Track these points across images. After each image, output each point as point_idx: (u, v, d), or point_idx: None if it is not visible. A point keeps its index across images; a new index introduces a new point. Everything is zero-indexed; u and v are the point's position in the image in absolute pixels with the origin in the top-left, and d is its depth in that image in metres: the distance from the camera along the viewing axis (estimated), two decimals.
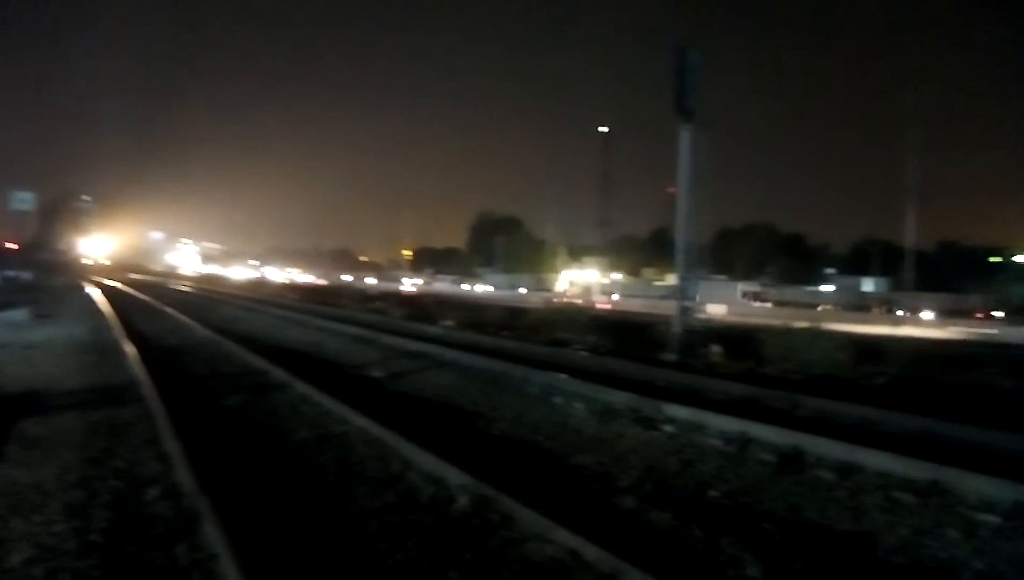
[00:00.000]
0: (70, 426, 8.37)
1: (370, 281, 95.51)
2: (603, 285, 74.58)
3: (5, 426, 8.21)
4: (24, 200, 32.13)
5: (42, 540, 4.99)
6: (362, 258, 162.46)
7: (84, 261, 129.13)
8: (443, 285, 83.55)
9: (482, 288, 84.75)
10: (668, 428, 8.54)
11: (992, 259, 70.38)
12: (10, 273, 52.15)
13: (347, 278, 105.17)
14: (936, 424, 8.37)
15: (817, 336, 14.41)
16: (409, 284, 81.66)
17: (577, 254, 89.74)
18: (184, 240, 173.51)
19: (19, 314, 24.18)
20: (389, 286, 76.08)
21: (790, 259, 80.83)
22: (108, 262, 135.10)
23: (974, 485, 6.08)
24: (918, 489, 6.18)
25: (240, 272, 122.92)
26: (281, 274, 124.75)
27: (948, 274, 62.50)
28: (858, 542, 5.29)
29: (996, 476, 6.12)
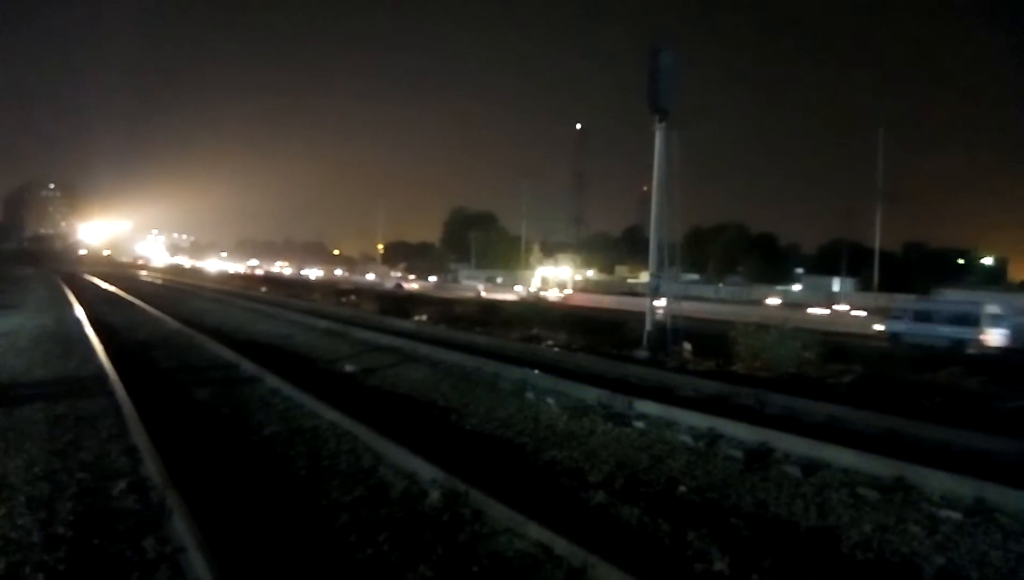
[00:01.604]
0: (35, 418, 8.24)
1: (354, 275, 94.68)
2: (562, 282, 75.07)
3: None
4: None
5: (6, 533, 4.91)
6: (335, 252, 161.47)
7: (80, 250, 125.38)
8: (425, 283, 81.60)
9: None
10: (639, 424, 8.61)
11: (959, 261, 71.73)
12: None
13: (338, 272, 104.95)
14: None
15: (785, 335, 14.59)
16: (395, 281, 78.89)
17: (551, 251, 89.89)
18: (153, 231, 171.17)
19: None
20: (373, 282, 74.99)
21: (761, 259, 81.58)
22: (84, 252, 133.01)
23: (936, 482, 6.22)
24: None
25: (211, 264, 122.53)
26: (250, 266, 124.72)
27: (914, 275, 63.52)
28: (823, 537, 5.39)
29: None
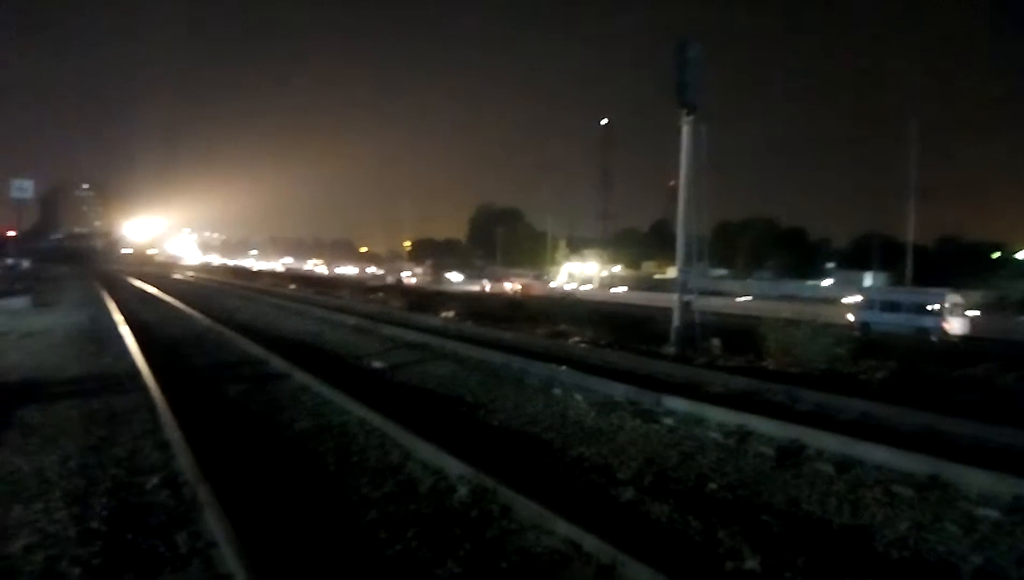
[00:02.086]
0: (70, 414, 8.38)
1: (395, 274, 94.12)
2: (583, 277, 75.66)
3: (5, 414, 8.22)
4: (23, 188, 32.00)
5: (43, 527, 4.99)
6: (362, 249, 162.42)
7: (123, 249, 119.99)
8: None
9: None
10: (668, 421, 8.54)
11: (993, 255, 70.32)
12: (9, 261, 52.06)
13: (370, 270, 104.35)
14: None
15: (817, 330, 14.39)
16: (397, 276, 79.21)
17: (577, 246, 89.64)
18: (185, 229, 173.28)
19: (19, 302, 24.19)
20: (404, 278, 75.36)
21: (790, 253, 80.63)
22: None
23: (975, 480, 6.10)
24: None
25: (242, 261, 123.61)
26: (284, 264, 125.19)
27: (948, 270, 62.40)
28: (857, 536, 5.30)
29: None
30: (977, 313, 28.32)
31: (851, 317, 29.19)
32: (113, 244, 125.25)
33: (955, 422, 8.20)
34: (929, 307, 27.43)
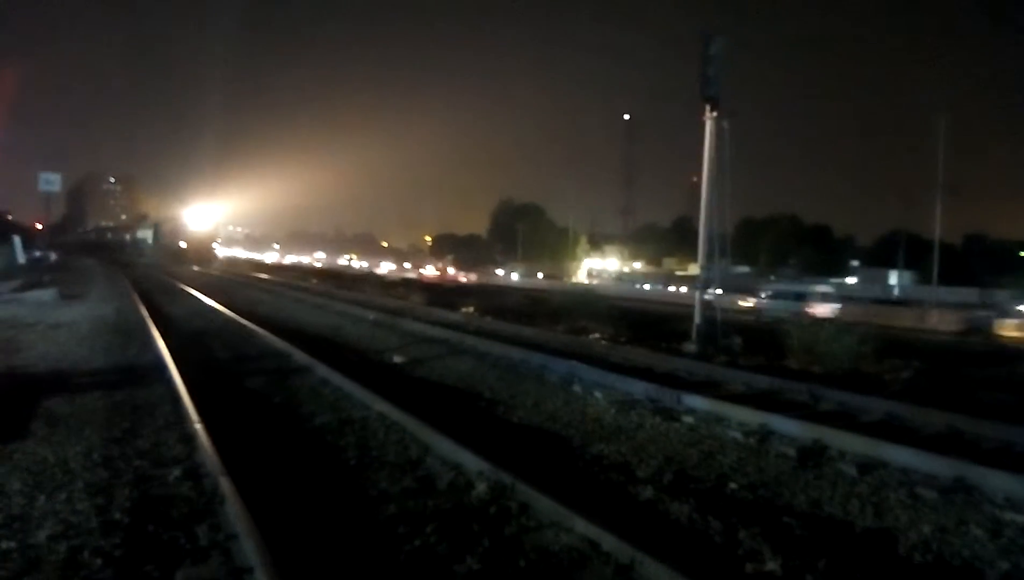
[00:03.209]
0: (95, 405, 8.49)
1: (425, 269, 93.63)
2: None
3: (32, 404, 8.34)
4: (51, 181, 32.42)
5: (66, 518, 5.06)
6: (383, 243, 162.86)
7: (180, 242, 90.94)
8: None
9: None
10: (688, 419, 8.49)
11: (1021, 253, 69.13)
12: (37, 253, 52.80)
13: (406, 265, 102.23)
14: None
15: (842, 330, 14.23)
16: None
17: (599, 242, 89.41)
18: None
19: (46, 294, 24.56)
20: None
21: (814, 251, 79.79)
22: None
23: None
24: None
25: (263, 255, 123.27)
26: (317, 258, 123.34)
27: (975, 268, 61.45)
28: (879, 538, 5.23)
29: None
30: (839, 304, 34.87)
31: (752, 303, 35.42)
32: (172, 232, 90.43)
33: (980, 423, 8.08)
34: (803, 295, 34.05)
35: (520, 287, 57.72)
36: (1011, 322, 30.73)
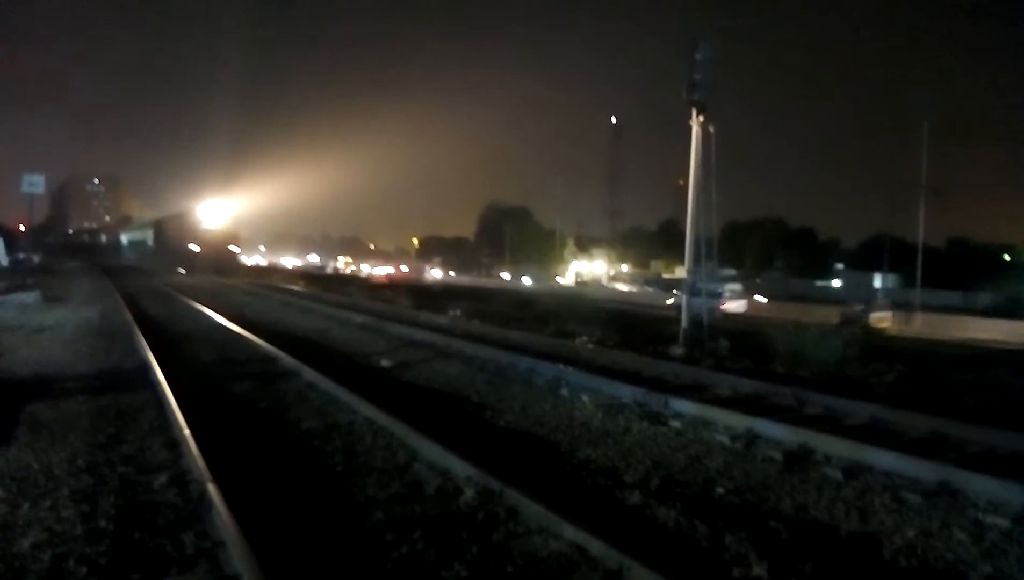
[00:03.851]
0: (79, 410, 8.42)
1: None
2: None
3: (15, 409, 8.26)
4: (35, 183, 32.15)
5: (50, 525, 5.01)
6: (371, 246, 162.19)
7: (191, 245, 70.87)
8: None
9: None
10: (675, 423, 8.52)
11: (1004, 257, 69.87)
12: (20, 255, 52.31)
13: (403, 269, 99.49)
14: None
15: (826, 332, 14.33)
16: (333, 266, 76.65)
17: (585, 245, 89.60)
18: None
19: (30, 297, 24.33)
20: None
21: (799, 254, 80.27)
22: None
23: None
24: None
25: (250, 258, 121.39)
26: (310, 262, 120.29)
27: (958, 271, 62.03)
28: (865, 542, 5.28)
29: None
30: (745, 300, 40.06)
31: (671, 301, 37.47)
32: (179, 233, 71.85)
33: (964, 427, 8.15)
34: (717, 292, 35.33)
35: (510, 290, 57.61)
36: (877, 315, 35.21)
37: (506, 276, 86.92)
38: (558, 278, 78.37)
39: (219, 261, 60.95)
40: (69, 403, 8.77)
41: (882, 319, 34.52)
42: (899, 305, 40.56)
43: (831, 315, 31.74)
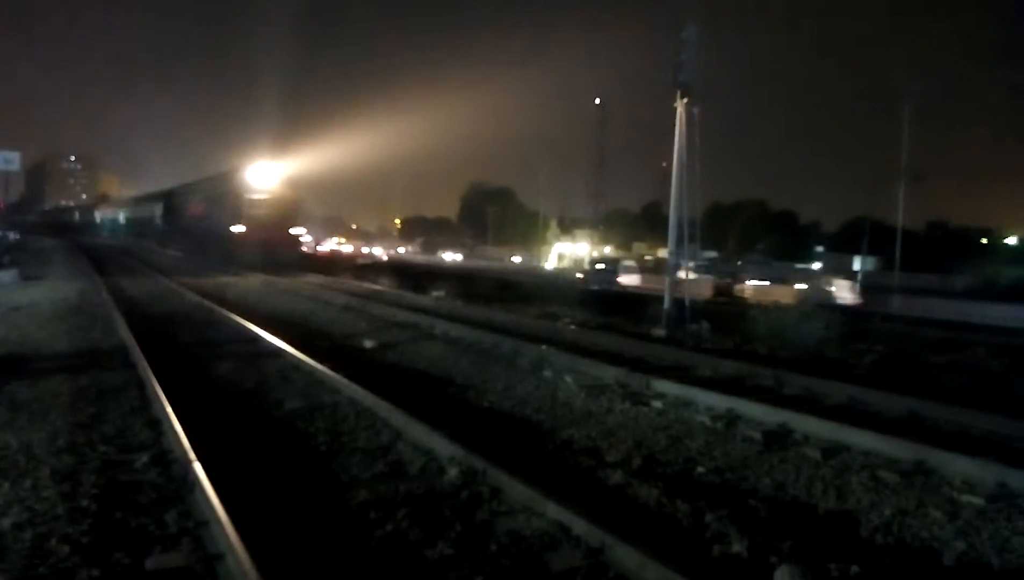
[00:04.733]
0: (59, 390, 8.35)
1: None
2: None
3: None
4: (10, 160, 31.60)
5: (32, 505, 4.99)
6: (353, 226, 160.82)
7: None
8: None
9: None
10: (657, 404, 8.59)
11: (982, 240, 70.74)
12: None
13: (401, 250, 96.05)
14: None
15: (806, 314, 14.48)
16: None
17: (569, 227, 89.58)
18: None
19: (6, 276, 24.00)
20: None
21: (781, 236, 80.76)
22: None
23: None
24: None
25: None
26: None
27: (937, 254, 62.70)
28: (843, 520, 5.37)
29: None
30: (639, 275, 44.04)
31: (580, 276, 46.04)
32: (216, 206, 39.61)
33: (941, 407, 8.28)
34: (615, 270, 44.11)
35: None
36: (744, 286, 39.24)
37: (517, 259, 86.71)
38: (540, 261, 78.36)
39: (276, 246, 35.74)
40: (47, 383, 8.68)
41: (742, 289, 38.33)
42: (777, 278, 43.86)
43: (697, 286, 33.47)
